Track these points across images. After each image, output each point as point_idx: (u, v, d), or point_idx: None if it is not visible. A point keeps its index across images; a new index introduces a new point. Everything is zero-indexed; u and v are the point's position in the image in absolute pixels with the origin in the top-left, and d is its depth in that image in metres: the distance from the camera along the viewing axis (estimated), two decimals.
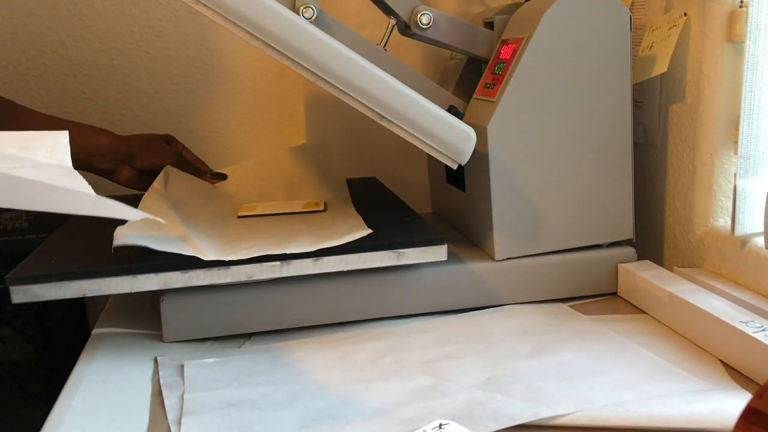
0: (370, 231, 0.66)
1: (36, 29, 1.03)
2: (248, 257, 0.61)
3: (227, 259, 0.61)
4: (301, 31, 0.58)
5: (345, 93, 0.60)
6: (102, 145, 0.83)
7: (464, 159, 0.63)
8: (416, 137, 0.62)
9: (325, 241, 0.63)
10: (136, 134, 0.89)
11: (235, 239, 0.66)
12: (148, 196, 0.73)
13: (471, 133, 0.63)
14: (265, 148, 1.10)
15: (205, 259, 0.60)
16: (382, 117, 0.61)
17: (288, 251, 0.62)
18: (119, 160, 0.84)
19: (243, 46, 1.07)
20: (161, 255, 0.59)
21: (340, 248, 0.63)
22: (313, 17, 0.68)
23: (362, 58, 0.60)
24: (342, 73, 0.59)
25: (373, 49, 0.72)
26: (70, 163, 0.48)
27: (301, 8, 0.68)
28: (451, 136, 0.62)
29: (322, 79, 0.59)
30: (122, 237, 0.59)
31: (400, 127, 0.61)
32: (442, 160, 0.63)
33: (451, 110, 0.65)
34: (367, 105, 0.60)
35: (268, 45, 0.58)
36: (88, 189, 0.44)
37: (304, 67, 0.59)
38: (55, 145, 0.48)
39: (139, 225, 0.62)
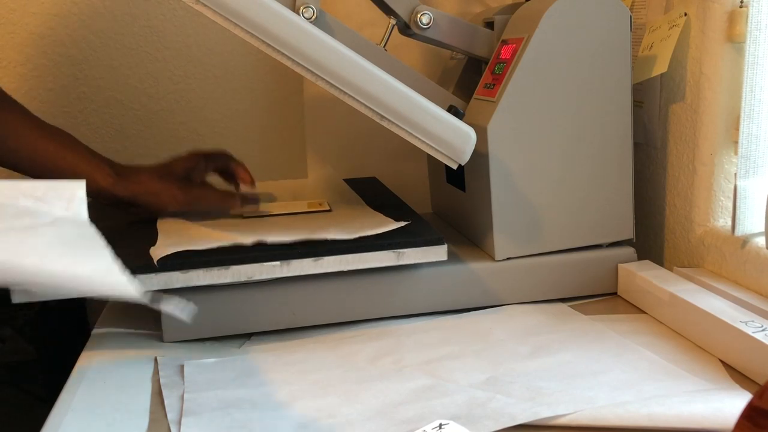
0: (407, 222, 0.66)
1: (36, 29, 1.03)
2: (292, 241, 0.62)
3: (269, 241, 0.62)
4: (301, 31, 0.58)
5: (345, 93, 0.60)
6: (98, 189, 0.70)
7: (464, 159, 0.63)
8: (416, 137, 0.62)
9: (360, 231, 0.64)
10: (145, 170, 0.75)
11: (263, 232, 0.66)
12: (162, 219, 0.73)
13: (471, 133, 0.63)
14: (265, 149, 1.10)
15: (248, 243, 0.61)
16: (382, 117, 0.61)
17: (328, 237, 0.63)
18: (117, 204, 0.72)
19: (243, 46, 1.07)
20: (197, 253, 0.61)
21: (341, 248, 0.63)
22: (313, 17, 0.68)
23: (362, 58, 0.60)
24: (342, 73, 0.59)
25: (373, 49, 0.72)
26: (86, 215, 0.48)
27: (301, 8, 0.68)
28: (451, 136, 0.62)
29: (322, 79, 0.59)
30: (160, 251, 0.61)
31: (400, 127, 0.61)
32: (442, 160, 0.63)
33: (451, 110, 0.65)
34: (367, 105, 0.60)
35: (268, 45, 0.58)
36: (106, 254, 0.43)
37: (304, 67, 0.59)
38: (72, 197, 0.47)
39: (171, 241, 0.63)
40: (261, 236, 0.63)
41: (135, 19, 1.05)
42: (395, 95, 0.60)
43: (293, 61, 0.59)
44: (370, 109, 0.61)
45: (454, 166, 0.64)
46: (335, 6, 0.95)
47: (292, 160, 1.10)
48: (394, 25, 0.74)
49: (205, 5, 0.57)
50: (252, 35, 0.58)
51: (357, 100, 0.60)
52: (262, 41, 0.58)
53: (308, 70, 0.59)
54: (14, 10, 1.02)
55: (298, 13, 0.68)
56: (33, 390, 0.87)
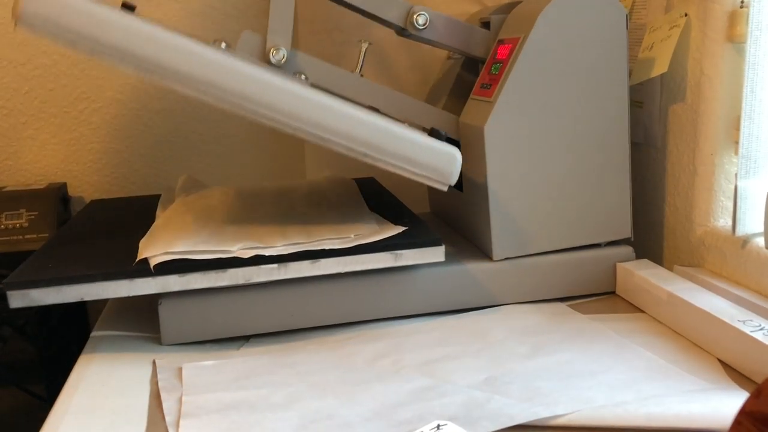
0: (404, 228, 0.66)
1: None
2: (287, 253, 0.62)
3: (267, 254, 0.61)
4: (260, 82, 0.57)
5: (321, 138, 0.59)
6: None
7: (453, 180, 0.63)
8: (401, 168, 0.62)
9: (357, 240, 0.64)
10: None
11: (259, 239, 0.66)
12: (174, 208, 0.74)
13: (455, 153, 0.63)
14: (265, 149, 1.10)
15: (245, 257, 0.61)
16: (365, 154, 0.61)
17: (326, 247, 0.62)
18: None
19: None
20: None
21: (339, 250, 0.63)
22: (283, 59, 0.69)
23: (333, 98, 0.60)
24: (314, 119, 0.58)
25: (349, 79, 0.72)
26: None
27: (272, 50, 0.68)
28: (435, 161, 0.62)
29: (297, 128, 0.59)
30: (150, 252, 0.60)
31: (385, 161, 0.61)
32: (431, 185, 0.63)
33: (433, 133, 0.65)
34: (346, 146, 0.60)
35: (228, 101, 0.57)
36: None
37: (272, 119, 0.58)
38: None
39: (162, 244, 0.63)
40: (257, 245, 0.63)
41: None
42: (373, 130, 0.60)
43: (257, 113, 0.57)
44: (351, 149, 0.60)
45: (444, 188, 0.64)
46: (335, 6, 0.95)
47: (291, 160, 1.10)
48: (366, 49, 0.75)
49: (151, 72, 0.56)
50: (210, 95, 0.57)
51: (336, 143, 0.60)
52: (221, 99, 0.57)
53: (277, 120, 0.58)
54: None
55: (269, 55, 0.68)
56: (33, 390, 0.87)
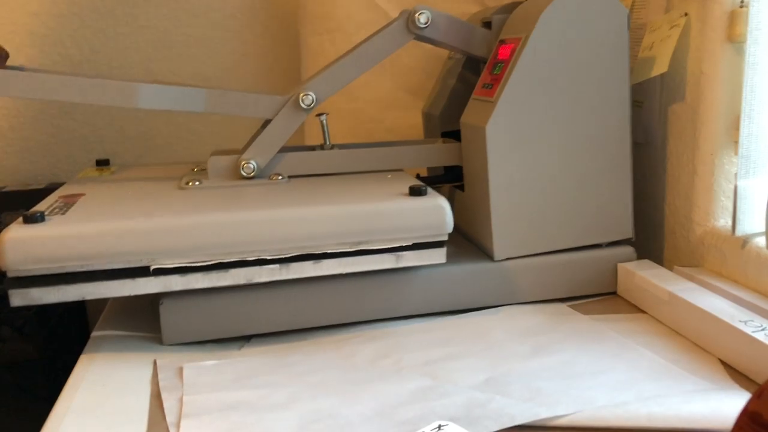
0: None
1: (36, 29, 1.03)
2: (289, 256, 0.62)
3: (269, 258, 0.62)
4: (248, 227, 0.61)
5: (314, 246, 0.62)
6: None
7: (448, 229, 0.64)
8: (397, 239, 0.63)
9: (361, 245, 0.64)
10: None
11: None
12: None
13: (441, 203, 0.63)
14: None
15: (250, 258, 0.62)
16: (359, 243, 0.62)
17: (327, 251, 0.63)
18: None
19: (244, 46, 1.07)
20: None
21: (341, 251, 0.63)
22: (253, 173, 0.72)
23: (309, 204, 0.63)
24: (301, 236, 0.61)
25: (321, 157, 0.75)
26: None
27: (242, 163, 0.71)
28: (424, 220, 0.63)
29: (290, 249, 0.61)
30: None
31: (377, 240, 0.63)
32: (430, 240, 0.64)
33: (413, 191, 0.65)
34: (338, 242, 0.62)
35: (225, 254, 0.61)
36: None
37: (271, 250, 0.61)
38: None
39: None
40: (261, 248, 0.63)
41: (135, 19, 1.05)
42: (356, 219, 0.62)
43: (249, 252, 0.61)
44: (341, 243, 0.62)
45: (445, 238, 0.64)
46: (335, 7, 0.95)
47: None
48: (326, 121, 0.76)
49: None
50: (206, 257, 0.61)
51: (327, 245, 0.62)
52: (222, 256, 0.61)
53: (270, 250, 0.61)
54: (14, 10, 1.02)
55: (240, 170, 0.72)
56: (33, 390, 0.87)
